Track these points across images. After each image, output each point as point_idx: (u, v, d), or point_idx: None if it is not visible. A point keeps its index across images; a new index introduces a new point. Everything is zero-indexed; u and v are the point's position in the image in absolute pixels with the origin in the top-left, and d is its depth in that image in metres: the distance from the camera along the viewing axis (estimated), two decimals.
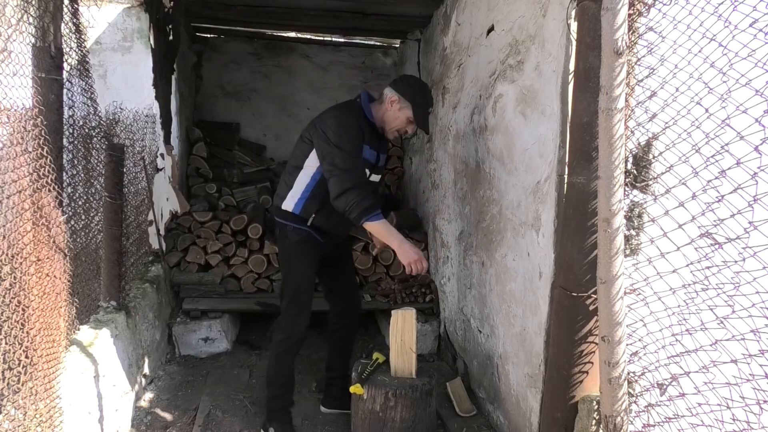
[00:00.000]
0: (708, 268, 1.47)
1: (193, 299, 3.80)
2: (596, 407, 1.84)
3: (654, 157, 1.73)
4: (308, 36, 5.39)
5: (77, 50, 2.40)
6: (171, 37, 4.16)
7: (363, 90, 2.72)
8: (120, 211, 2.75)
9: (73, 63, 2.38)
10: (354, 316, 2.98)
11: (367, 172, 2.63)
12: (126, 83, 3.79)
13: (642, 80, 1.75)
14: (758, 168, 1.30)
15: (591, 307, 1.86)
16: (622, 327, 1.68)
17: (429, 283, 4.09)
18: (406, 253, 2.45)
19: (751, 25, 1.31)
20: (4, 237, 1.51)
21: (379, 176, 2.80)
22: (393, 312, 2.64)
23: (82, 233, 2.52)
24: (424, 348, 3.86)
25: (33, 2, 1.90)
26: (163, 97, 4.00)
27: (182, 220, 4.02)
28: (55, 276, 1.92)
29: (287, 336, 2.66)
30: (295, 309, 2.64)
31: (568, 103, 2.04)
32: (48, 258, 1.86)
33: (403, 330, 2.62)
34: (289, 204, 2.64)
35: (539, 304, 2.31)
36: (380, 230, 2.49)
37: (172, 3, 4.04)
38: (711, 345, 1.45)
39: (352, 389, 2.54)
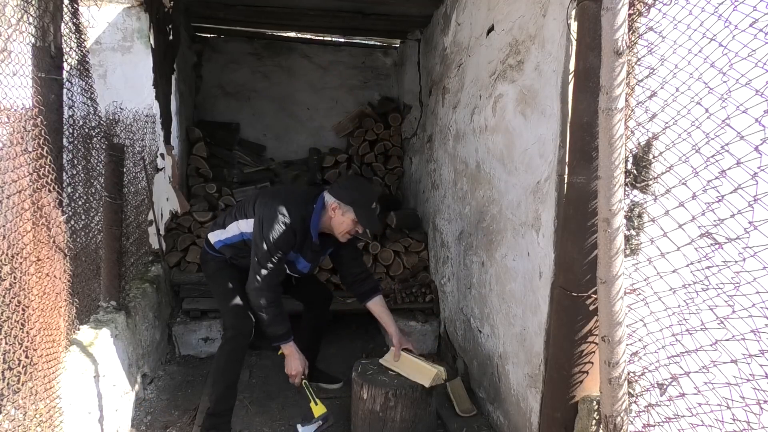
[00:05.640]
0: (708, 268, 1.47)
1: (193, 299, 3.80)
2: (596, 407, 1.84)
3: (654, 157, 1.73)
4: (308, 36, 5.39)
5: (77, 50, 2.40)
6: (171, 37, 4.16)
7: (324, 193, 2.67)
8: (120, 211, 2.75)
9: (73, 63, 2.38)
10: (319, 309, 3.22)
11: (286, 267, 2.77)
12: (126, 83, 3.79)
13: (642, 80, 1.75)
14: (758, 168, 1.30)
15: (591, 307, 1.86)
16: (622, 327, 1.68)
17: (429, 283, 4.08)
18: (290, 364, 2.67)
19: (751, 25, 1.31)
20: (4, 237, 1.51)
21: (309, 266, 2.86)
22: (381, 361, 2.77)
23: (82, 233, 2.52)
24: (424, 348, 3.86)
25: (33, 2, 1.90)
26: (163, 97, 4.00)
27: (182, 220, 4.02)
28: (55, 276, 1.92)
29: (236, 333, 2.70)
30: (235, 310, 2.72)
31: (568, 103, 2.04)
32: (48, 258, 1.86)
33: (401, 365, 2.71)
34: (213, 237, 2.83)
35: (539, 304, 2.31)
36: (288, 351, 2.69)
37: (172, 3, 4.04)
38: (711, 345, 1.45)
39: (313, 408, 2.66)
